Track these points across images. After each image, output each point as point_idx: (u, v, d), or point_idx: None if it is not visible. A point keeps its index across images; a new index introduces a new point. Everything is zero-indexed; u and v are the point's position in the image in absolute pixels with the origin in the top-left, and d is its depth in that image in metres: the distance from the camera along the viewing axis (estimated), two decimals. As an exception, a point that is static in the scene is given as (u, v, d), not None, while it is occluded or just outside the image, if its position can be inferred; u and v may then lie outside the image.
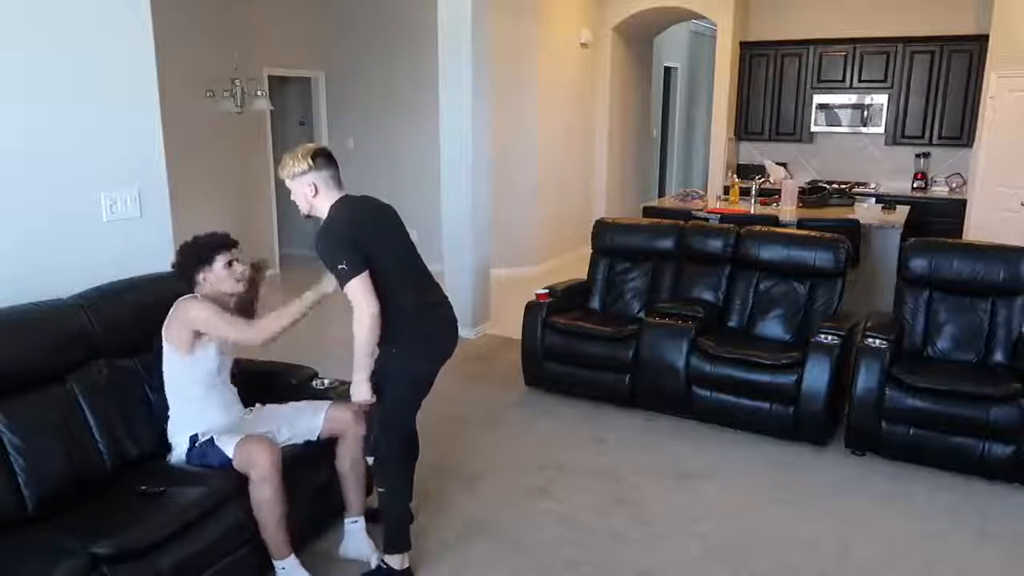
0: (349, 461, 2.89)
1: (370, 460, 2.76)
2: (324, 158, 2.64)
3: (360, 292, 2.50)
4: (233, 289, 2.80)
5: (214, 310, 2.69)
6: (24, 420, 2.50)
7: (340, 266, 2.49)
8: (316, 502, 2.93)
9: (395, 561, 2.76)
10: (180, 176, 4.02)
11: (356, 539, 2.91)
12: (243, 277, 2.82)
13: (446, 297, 2.86)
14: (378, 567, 2.79)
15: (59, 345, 2.68)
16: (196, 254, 2.77)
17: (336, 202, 2.64)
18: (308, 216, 2.70)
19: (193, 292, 2.78)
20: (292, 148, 2.71)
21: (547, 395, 4.60)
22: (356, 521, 2.91)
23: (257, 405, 3.00)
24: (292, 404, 3.00)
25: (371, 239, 2.61)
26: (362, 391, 2.63)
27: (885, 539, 3.14)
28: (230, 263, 2.79)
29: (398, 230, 2.76)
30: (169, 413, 2.79)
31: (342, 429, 2.88)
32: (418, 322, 2.69)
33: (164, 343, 2.76)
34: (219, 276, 2.76)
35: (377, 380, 2.66)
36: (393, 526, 2.77)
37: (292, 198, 2.69)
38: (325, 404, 2.95)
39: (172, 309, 2.74)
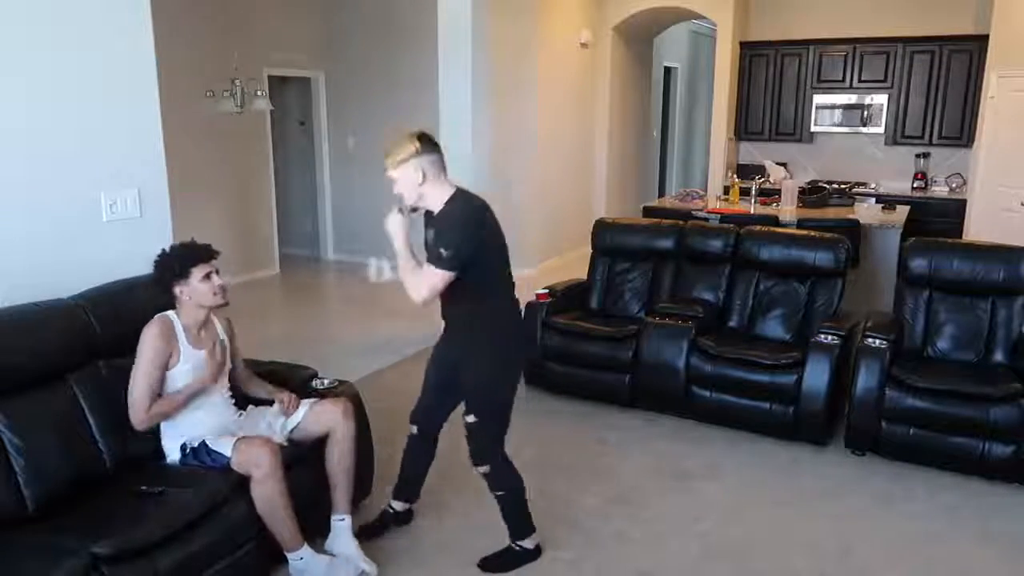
0: (337, 457, 2.86)
1: (484, 469, 2.79)
2: (428, 141, 2.58)
3: (435, 284, 2.53)
4: (212, 303, 2.77)
5: (153, 351, 2.64)
6: (24, 420, 2.50)
7: (444, 251, 2.50)
8: (305, 508, 2.87)
9: (528, 543, 2.94)
10: (180, 176, 4.02)
11: (343, 538, 2.88)
12: (221, 291, 2.78)
13: None
14: (510, 547, 2.93)
15: (59, 345, 2.68)
16: (171, 267, 2.72)
17: (460, 192, 2.61)
18: (414, 210, 2.63)
19: (173, 305, 2.75)
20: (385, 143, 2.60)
21: (547, 395, 4.60)
22: (343, 519, 2.89)
23: (250, 407, 2.99)
24: (277, 404, 2.98)
25: (492, 240, 2.65)
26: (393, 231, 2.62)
27: (885, 539, 3.14)
28: (208, 275, 2.74)
29: (499, 231, 2.75)
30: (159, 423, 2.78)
31: (330, 426, 2.86)
32: (517, 318, 2.82)
33: None
34: (196, 290, 2.72)
35: (478, 403, 2.73)
36: (518, 518, 2.91)
37: (396, 191, 2.59)
38: (307, 402, 2.95)
39: None
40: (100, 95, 3.11)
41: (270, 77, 7.47)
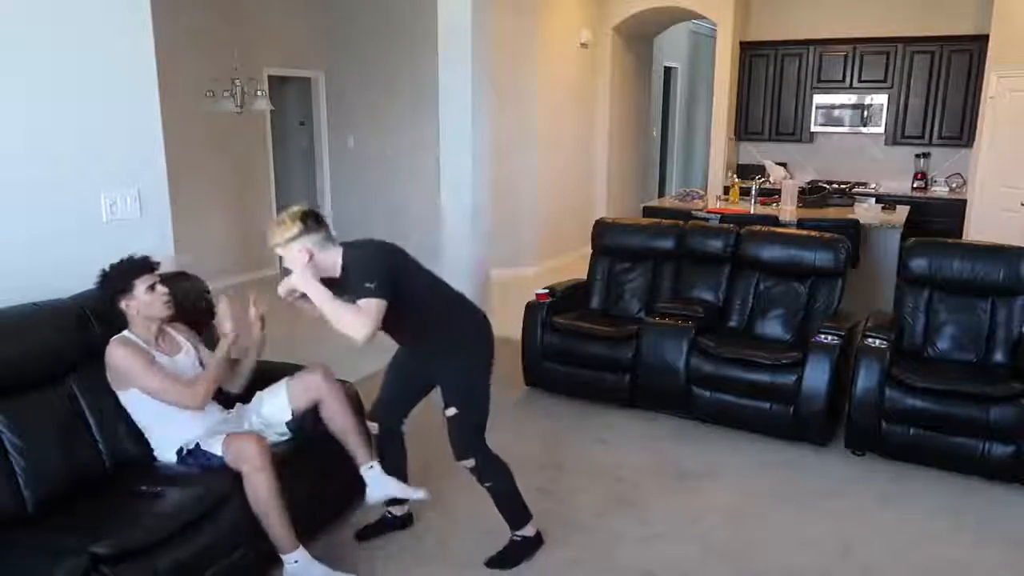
0: (338, 420, 2.89)
1: (469, 463, 2.80)
2: (314, 219, 2.58)
3: (373, 314, 2.47)
4: (161, 313, 2.76)
5: (136, 358, 2.63)
6: (24, 420, 2.50)
7: (368, 284, 2.48)
8: (311, 502, 2.90)
9: (527, 531, 2.98)
10: (180, 176, 4.02)
11: (378, 481, 2.91)
12: (169, 299, 2.77)
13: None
14: (512, 540, 2.96)
15: (59, 345, 2.68)
16: (113, 283, 2.70)
17: (347, 245, 2.62)
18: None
19: (125, 324, 2.73)
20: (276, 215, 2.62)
21: (547, 395, 4.60)
22: (372, 466, 2.91)
23: (237, 405, 2.99)
24: (257, 394, 2.98)
25: (404, 267, 2.67)
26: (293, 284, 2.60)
27: (885, 539, 3.14)
28: (152, 287, 2.72)
29: (412, 259, 2.78)
30: (146, 437, 2.77)
31: (316, 396, 2.89)
32: (471, 317, 2.86)
33: (109, 381, 2.72)
34: (142, 302, 2.71)
35: (458, 397, 2.77)
36: (512, 507, 2.95)
37: (286, 265, 2.62)
38: (283, 381, 2.95)
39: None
40: (100, 95, 3.11)
41: (270, 77, 7.47)
